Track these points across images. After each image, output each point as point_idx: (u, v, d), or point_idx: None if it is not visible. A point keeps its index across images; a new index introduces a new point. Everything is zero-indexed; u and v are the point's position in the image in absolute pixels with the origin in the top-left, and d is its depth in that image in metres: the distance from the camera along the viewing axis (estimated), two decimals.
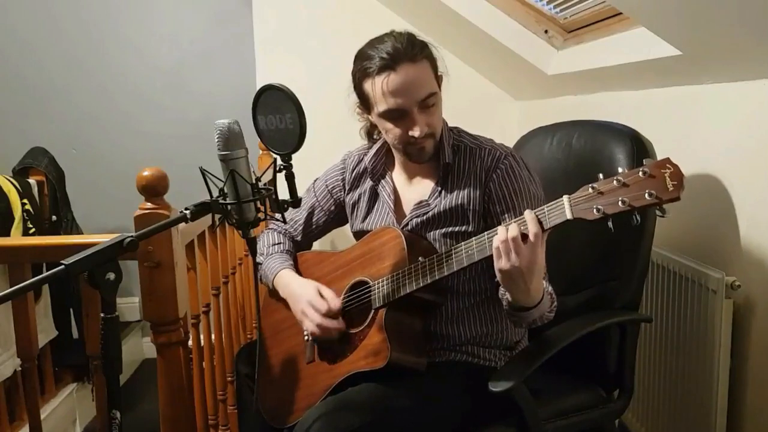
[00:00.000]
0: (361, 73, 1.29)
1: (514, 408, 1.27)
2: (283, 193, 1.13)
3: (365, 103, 1.34)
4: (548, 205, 1.10)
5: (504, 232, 1.09)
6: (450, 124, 1.43)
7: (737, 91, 1.45)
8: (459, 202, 1.34)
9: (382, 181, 1.45)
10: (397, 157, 1.44)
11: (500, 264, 1.11)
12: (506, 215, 1.30)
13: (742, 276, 1.44)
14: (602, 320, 1.40)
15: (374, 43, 1.29)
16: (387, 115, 1.29)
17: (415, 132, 1.28)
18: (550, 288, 1.26)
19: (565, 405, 1.41)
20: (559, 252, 1.46)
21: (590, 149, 1.54)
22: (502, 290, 1.28)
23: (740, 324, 1.46)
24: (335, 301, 1.34)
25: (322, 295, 1.36)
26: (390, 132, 1.33)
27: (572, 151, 1.59)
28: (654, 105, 1.81)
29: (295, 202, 1.13)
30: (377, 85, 1.26)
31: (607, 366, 1.45)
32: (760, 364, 1.42)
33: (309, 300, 1.36)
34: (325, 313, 1.32)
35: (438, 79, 1.33)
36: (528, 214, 1.09)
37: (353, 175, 1.50)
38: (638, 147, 1.41)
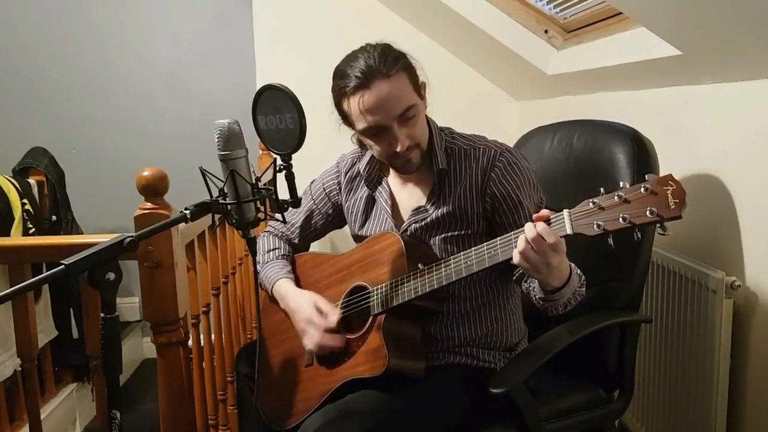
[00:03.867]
0: (337, 92, 1.29)
1: (514, 408, 1.27)
2: (283, 193, 1.13)
3: (346, 120, 1.34)
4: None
5: (522, 242, 1.07)
6: (448, 124, 1.43)
7: (737, 91, 1.45)
8: (457, 205, 1.33)
9: (379, 187, 1.45)
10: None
11: (528, 271, 1.11)
12: (514, 212, 1.30)
13: (742, 276, 1.44)
14: (602, 321, 1.40)
15: (349, 60, 1.28)
16: (367, 132, 1.29)
17: (397, 147, 1.27)
18: (573, 265, 1.25)
19: (565, 405, 1.42)
20: None
21: (590, 149, 1.54)
22: (525, 285, 1.30)
23: (740, 324, 1.46)
24: (333, 316, 1.34)
25: (320, 310, 1.35)
26: (373, 148, 1.33)
27: (572, 151, 1.59)
28: (654, 105, 1.80)
29: (295, 202, 1.13)
30: (353, 105, 1.26)
31: (607, 366, 1.45)
32: (760, 364, 1.42)
33: (308, 317, 1.36)
34: (324, 329, 1.32)
35: (418, 88, 1.31)
36: (539, 224, 1.08)
37: (347, 177, 1.50)
38: (638, 147, 1.42)
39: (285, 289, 1.45)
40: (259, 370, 1.45)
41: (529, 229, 1.07)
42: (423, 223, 1.36)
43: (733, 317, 1.44)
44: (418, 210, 1.37)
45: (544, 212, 1.09)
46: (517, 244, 1.09)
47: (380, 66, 1.24)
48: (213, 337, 1.89)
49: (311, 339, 1.34)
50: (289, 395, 1.41)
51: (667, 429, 1.70)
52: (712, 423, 1.47)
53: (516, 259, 1.09)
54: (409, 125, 1.28)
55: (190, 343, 1.49)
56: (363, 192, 1.47)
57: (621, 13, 1.87)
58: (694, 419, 1.56)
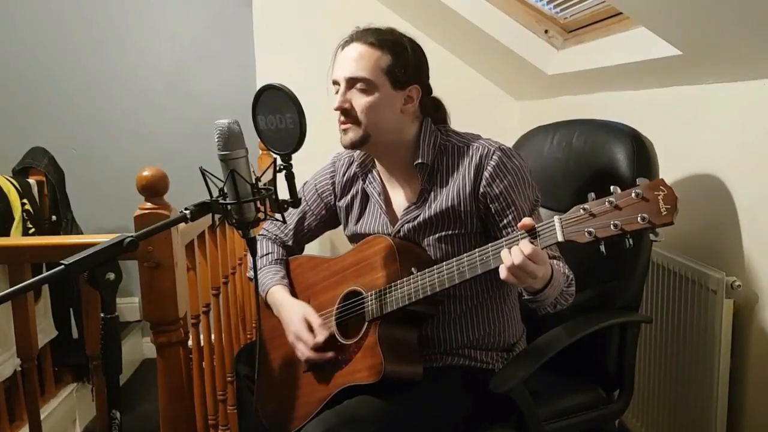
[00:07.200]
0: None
1: (513, 409, 1.27)
2: (283, 193, 1.13)
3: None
4: (539, 225, 1.09)
5: (509, 258, 1.09)
6: (449, 125, 1.43)
7: (737, 91, 1.45)
8: (449, 204, 1.32)
9: (369, 176, 1.44)
10: (378, 159, 1.43)
11: (516, 284, 1.15)
12: (507, 211, 1.29)
13: (742, 276, 1.44)
14: (602, 321, 1.40)
15: None
16: (333, 85, 1.35)
17: (334, 103, 1.32)
18: (561, 264, 1.26)
19: (565, 405, 1.41)
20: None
21: (590, 149, 1.54)
22: None
23: (740, 324, 1.46)
24: (321, 333, 1.34)
25: (310, 326, 1.35)
26: None
27: (572, 151, 1.59)
28: (654, 105, 1.80)
29: (295, 202, 1.13)
30: (335, 57, 1.36)
31: (607, 366, 1.45)
32: (760, 364, 1.42)
33: (296, 333, 1.36)
34: (311, 347, 1.33)
35: (395, 78, 1.30)
36: (524, 243, 1.09)
37: (345, 179, 1.49)
38: (638, 147, 1.41)
39: (278, 298, 1.45)
40: (259, 373, 1.45)
41: (506, 258, 1.09)
42: (416, 222, 1.35)
43: (733, 317, 1.44)
44: (409, 209, 1.37)
45: (527, 221, 1.10)
46: (503, 260, 1.09)
47: (366, 34, 1.32)
48: (213, 337, 1.89)
49: (300, 354, 1.36)
50: (288, 400, 1.41)
51: (667, 429, 1.70)
52: (712, 423, 1.47)
53: (502, 276, 1.10)
54: (356, 95, 1.31)
55: (190, 343, 1.49)
56: (357, 187, 1.47)
57: (621, 13, 1.87)
58: (694, 419, 1.56)
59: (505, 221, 1.30)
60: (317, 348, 1.33)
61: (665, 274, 1.67)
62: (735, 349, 1.46)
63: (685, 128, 1.65)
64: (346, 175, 1.49)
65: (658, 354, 1.73)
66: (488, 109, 2.98)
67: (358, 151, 1.44)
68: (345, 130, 1.33)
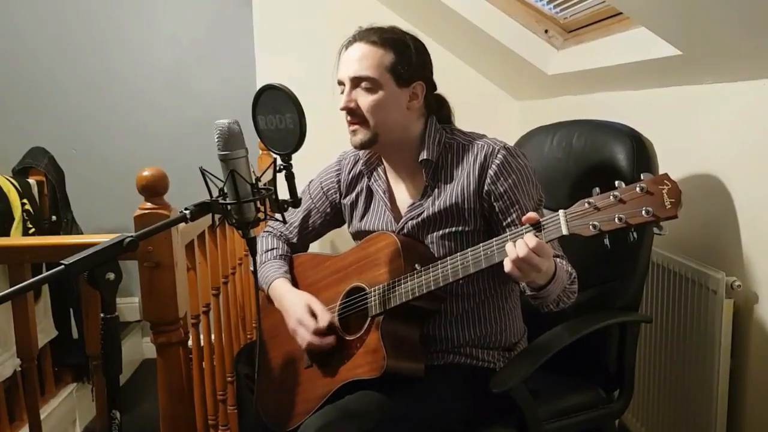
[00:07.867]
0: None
1: (513, 408, 1.27)
2: (283, 193, 1.13)
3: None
4: (544, 219, 1.10)
5: (513, 251, 1.09)
6: (453, 123, 1.43)
7: (737, 91, 1.45)
8: (453, 201, 1.32)
9: (375, 174, 1.45)
10: (384, 157, 1.44)
11: (519, 279, 1.15)
12: (511, 210, 1.29)
13: (742, 276, 1.44)
14: (602, 321, 1.40)
15: None
16: (338, 85, 1.35)
17: (341, 103, 1.32)
18: (564, 262, 1.26)
19: (565, 405, 1.41)
20: None
21: (590, 149, 1.54)
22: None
23: (740, 324, 1.46)
24: (324, 318, 1.34)
25: (313, 312, 1.36)
26: None
27: (572, 151, 1.59)
28: (654, 105, 1.80)
29: (295, 202, 1.13)
30: (339, 58, 1.36)
31: (607, 366, 1.45)
32: (760, 364, 1.42)
33: (298, 318, 1.36)
34: (314, 331, 1.33)
35: (398, 75, 1.30)
36: (528, 237, 1.09)
37: (350, 176, 1.50)
38: (638, 147, 1.42)
39: (280, 289, 1.45)
40: (259, 371, 1.45)
41: (511, 251, 1.09)
42: (420, 219, 1.36)
43: (733, 317, 1.44)
44: (413, 206, 1.37)
45: (532, 215, 1.10)
46: (508, 254, 1.09)
47: (369, 33, 1.33)
48: (213, 337, 1.89)
49: (302, 339, 1.35)
50: (289, 397, 1.41)
51: (667, 429, 1.70)
52: (712, 423, 1.47)
53: (507, 269, 1.10)
54: (361, 94, 1.31)
55: (190, 343, 1.49)
56: (363, 185, 1.47)
57: (621, 13, 1.87)
58: (694, 419, 1.56)
59: (508, 220, 1.30)
60: (319, 333, 1.33)
61: (665, 274, 1.67)
62: (735, 349, 1.46)
63: (685, 128, 1.65)
64: (352, 172, 1.50)
65: (658, 354, 1.73)
66: (488, 109, 2.97)
67: (365, 153, 1.45)
68: (354, 131, 1.34)
